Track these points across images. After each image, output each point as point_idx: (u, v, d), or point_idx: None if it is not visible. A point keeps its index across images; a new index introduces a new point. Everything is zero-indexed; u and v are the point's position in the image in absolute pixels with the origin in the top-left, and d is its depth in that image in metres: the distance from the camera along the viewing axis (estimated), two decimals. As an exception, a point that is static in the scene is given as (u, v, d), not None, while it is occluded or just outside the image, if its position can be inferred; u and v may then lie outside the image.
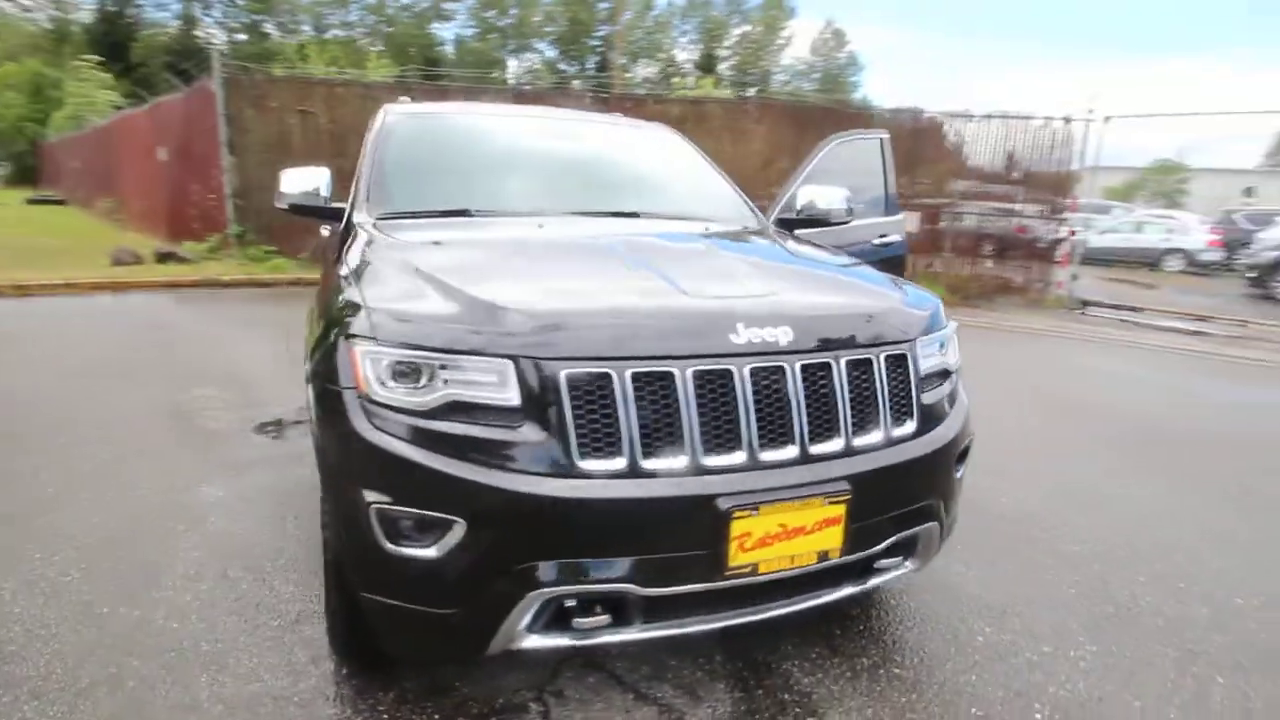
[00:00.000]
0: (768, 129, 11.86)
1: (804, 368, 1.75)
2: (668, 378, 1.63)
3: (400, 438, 1.60)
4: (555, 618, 1.66)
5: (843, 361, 1.80)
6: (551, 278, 1.97)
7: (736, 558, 1.63)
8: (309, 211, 2.82)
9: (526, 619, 1.63)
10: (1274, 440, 4.91)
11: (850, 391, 1.80)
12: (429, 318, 1.67)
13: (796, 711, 2.04)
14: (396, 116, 3.12)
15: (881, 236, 4.04)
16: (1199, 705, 2.14)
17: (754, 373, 1.70)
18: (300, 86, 11.25)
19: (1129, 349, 7.89)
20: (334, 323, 1.84)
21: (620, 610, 1.67)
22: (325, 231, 3.70)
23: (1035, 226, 11.33)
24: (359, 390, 1.66)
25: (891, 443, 1.86)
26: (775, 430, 1.71)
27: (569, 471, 1.57)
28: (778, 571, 1.69)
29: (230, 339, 6.53)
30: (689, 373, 1.64)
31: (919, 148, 11.35)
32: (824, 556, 1.73)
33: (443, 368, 1.61)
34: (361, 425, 1.64)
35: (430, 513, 1.59)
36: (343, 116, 11.06)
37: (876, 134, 4.31)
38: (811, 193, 3.28)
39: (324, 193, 2.75)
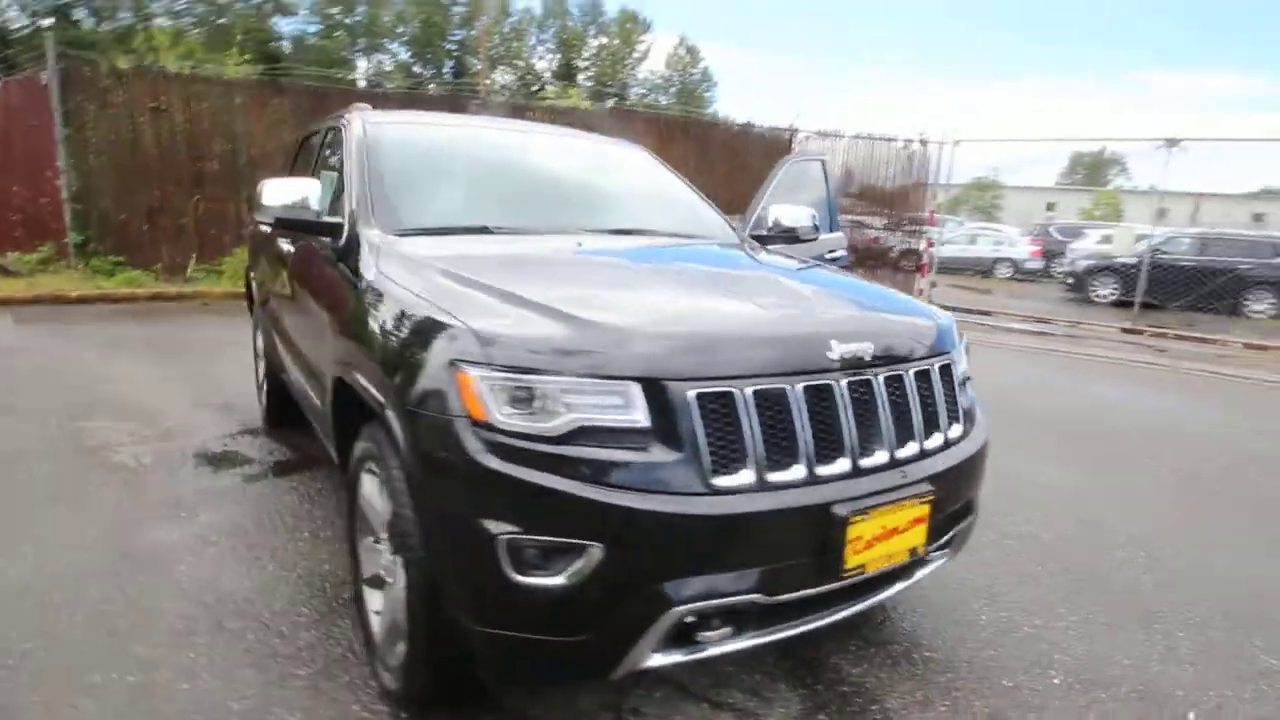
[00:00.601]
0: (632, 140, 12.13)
1: (885, 379, 1.88)
2: (781, 394, 1.70)
3: (530, 465, 1.56)
4: (679, 633, 1.68)
5: (911, 372, 1.95)
6: (639, 299, 1.98)
7: (850, 560, 1.73)
8: (298, 226, 2.64)
9: (657, 639, 1.64)
10: (1169, 430, 5.70)
11: (918, 399, 1.96)
12: (545, 340, 1.64)
13: (858, 701, 2.17)
14: (378, 125, 2.96)
15: (831, 252, 4.33)
16: (1172, 656, 2.49)
17: (849, 385, 1.81)
18: (152, 81, 10.17)
19: (997, 350, 8.81)
20: (415, 345, 1.75)
21: (740, 620, 1.72)
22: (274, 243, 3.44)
23: (887, 238, 12.39)
24: (474, 418, 1.60)
25: (949, 444, 2.03)
26: (869, 438, 1.82)
27: (704, 489, 1.60)
28: (878, 570, 1.81)
29: (102, 363, 5.82)
30: (799, 388, 1.72)
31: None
32: (913, 553, 1.87)
33: (566, 391, 1.59)
34: (482, 455, 1.57)
35: (564, 539, 1.56)
36: (200, 115, 10.18)
37: (818, 156, 4.60)
38: (780, 211, 3.46)
39: (314, 205, 2.58)
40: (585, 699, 2.12)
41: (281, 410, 4.18)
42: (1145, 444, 5.07)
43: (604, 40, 58.16)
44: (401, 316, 1.88)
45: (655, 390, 1.60)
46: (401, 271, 2.09)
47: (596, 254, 2.50)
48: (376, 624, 2.14)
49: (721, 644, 1.73)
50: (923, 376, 2.00)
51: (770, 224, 3.44)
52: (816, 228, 3.50)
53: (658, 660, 1.69)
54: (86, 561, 2.75)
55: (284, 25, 37.24)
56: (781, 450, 1.69)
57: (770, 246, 3.40)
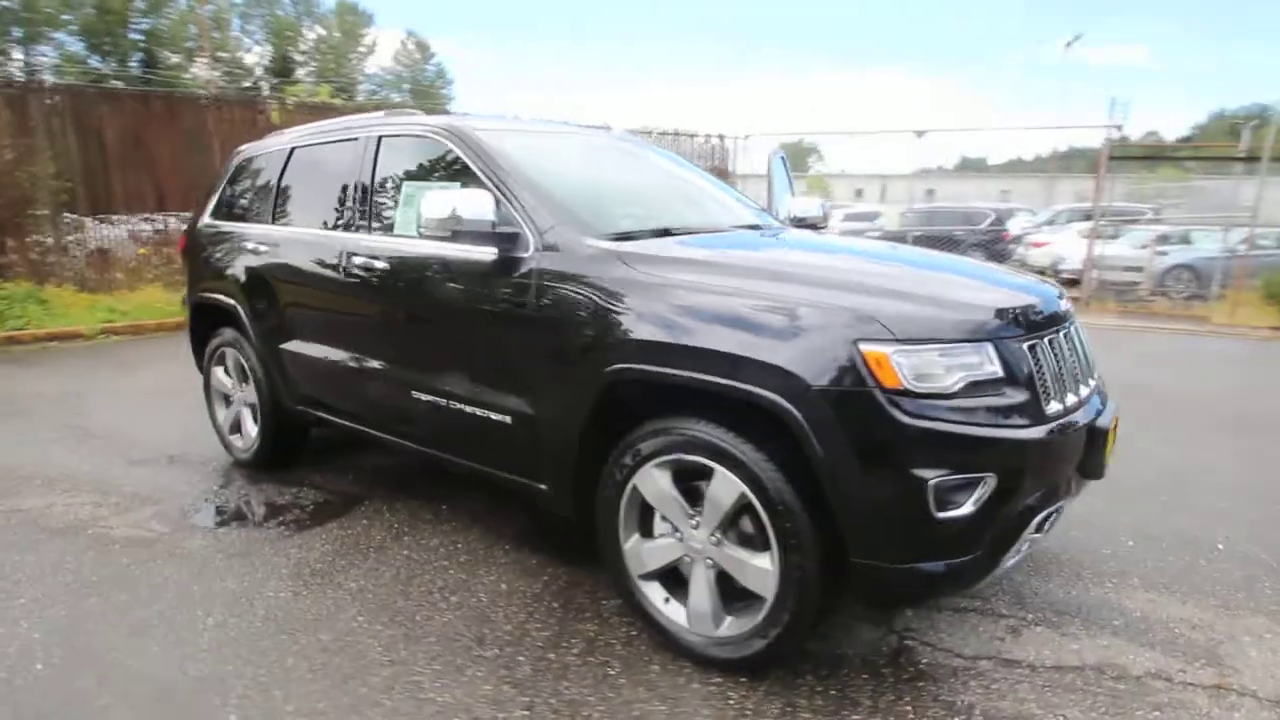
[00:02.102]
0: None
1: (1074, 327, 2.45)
2: (1056, 341, 2.19)
3: (942, 418, 1.87)
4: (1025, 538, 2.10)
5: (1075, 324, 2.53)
6: (922, 280, 2.34)
7: (1107, 461, 2.28)
8: (477, 238, 2.55)
9: (1018, 545, 2.05)
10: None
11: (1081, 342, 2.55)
12: (931, 317, 1.95)
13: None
14: (498, 134, 2.92)
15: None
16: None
17: (1074, 330, 2.35)
18: None
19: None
20: (803, 331, 1.96)
21: (1044, 524, 2.18)
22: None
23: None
24: (888, 386, 1.86)
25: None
26: (1083, 371, 2.37)
27: (1044, 418, 2.03)
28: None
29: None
30: (1060, 335, 2.22)
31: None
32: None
33: (952, 355, 1.92)
34: (906, 416, 1.85)
35: (973, 474, 1.89)
36: None
37: (778, 152, 5.11)
38: (795, 204, 3.95)
39: (491, 217, 2.52)
40: (867, 630, 2.45)
41: (286, 445, 3.81)
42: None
43: (322, 32, 53.98)
44: (743, 309, 2.05)
45: (1003, 347, 2.00)
46: (685, 272, 2.23)
47: (799, 245, 2.86)
48: (671, 610, 2.29)
49: (1031, 546, 2.19)
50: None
51: (790, 215, 3.90)
52: (826, 216, 4.04)
53: (1007, 564, 2.09)
54: (152, 681, 2.29)
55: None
56: (1063, 384, 2.17)
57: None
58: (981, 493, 1.91)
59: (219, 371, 4.03)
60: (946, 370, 1.90)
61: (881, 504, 1.90)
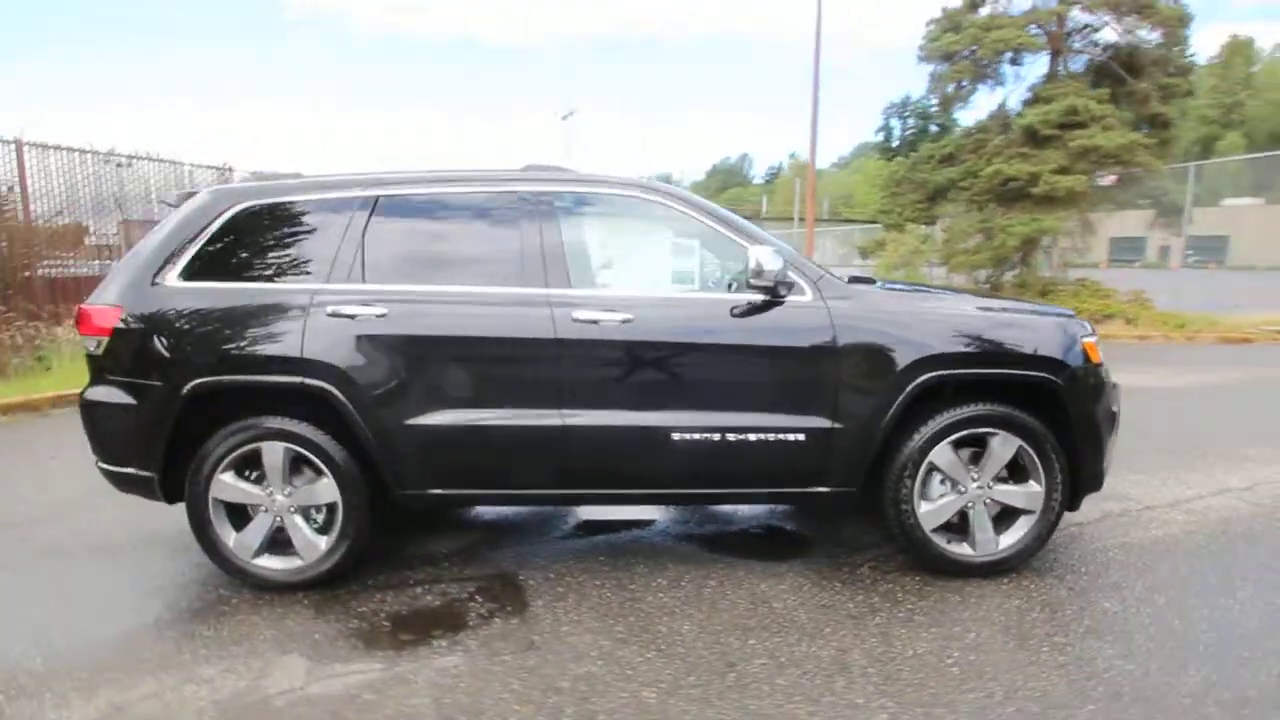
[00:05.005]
0: None
1: None
2: None
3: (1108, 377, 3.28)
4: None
5: None
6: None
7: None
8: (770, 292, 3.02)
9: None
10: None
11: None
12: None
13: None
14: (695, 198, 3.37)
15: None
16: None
17: None
18: None
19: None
20: (1049, 335, 3.13)
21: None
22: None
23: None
24: (1097, 364, 3.19)
25: None
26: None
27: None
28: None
29: None
30: None
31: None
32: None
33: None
34: (1104, 378, 3.21)
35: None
36: None
37: None
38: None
39: (780, 266, 3.03)
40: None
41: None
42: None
43: None
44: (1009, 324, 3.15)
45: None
46: (928, 302, 3.32)
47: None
48: (958, 548, 3.23)
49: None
50: None
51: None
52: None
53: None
54: None
55: None
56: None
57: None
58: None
59: (229, 479, 3.10)
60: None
61: (1103, 431, 3.20)
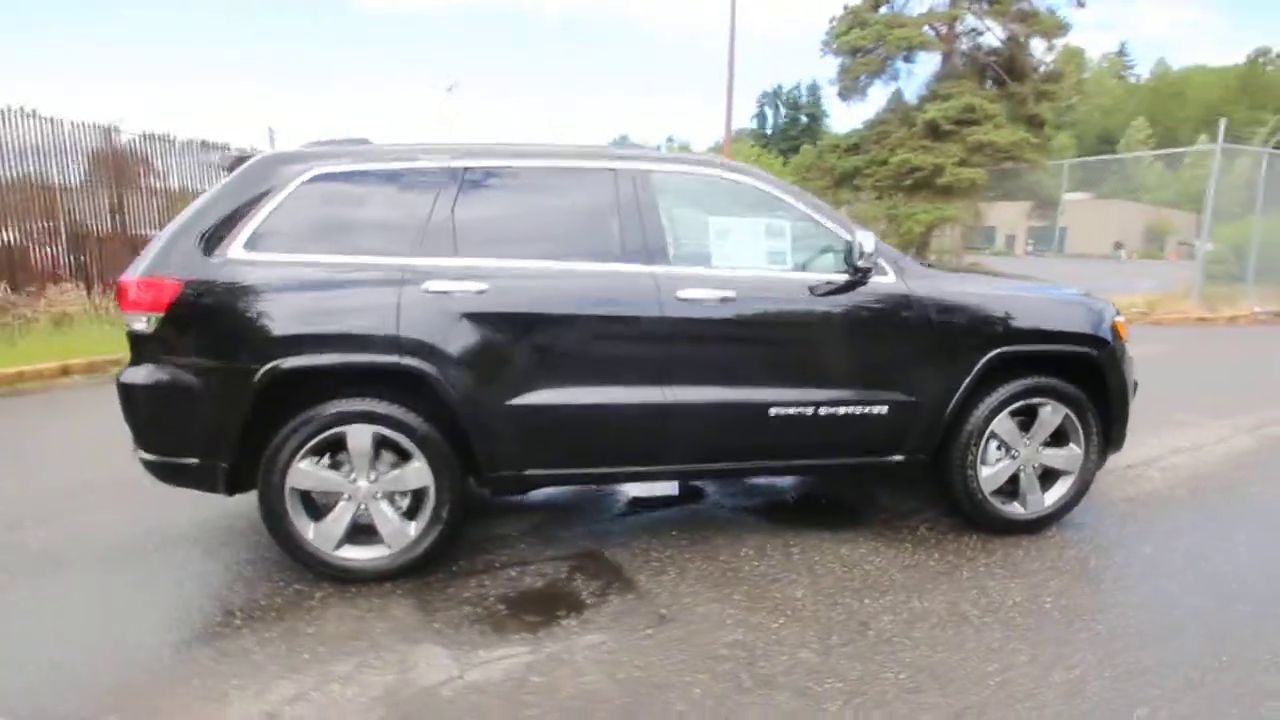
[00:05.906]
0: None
1: None
2: None
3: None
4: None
5: None
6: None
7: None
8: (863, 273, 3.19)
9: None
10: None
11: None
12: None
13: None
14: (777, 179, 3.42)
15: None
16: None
17: None
18: None
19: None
20: (1088, 315, 3.46)
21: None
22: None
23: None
24: (1124, 339, 3.57)
25: None
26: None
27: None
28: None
29: None
30: None
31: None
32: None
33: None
34: (1127, 353, 3.60)
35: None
36: None
37: None
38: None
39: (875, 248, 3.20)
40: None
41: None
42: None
43: None
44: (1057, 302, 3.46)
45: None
46: (1002, 289, 3.51)
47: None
48: (1010, 508, 3.53)
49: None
50: None
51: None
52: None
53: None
54: None
55: None
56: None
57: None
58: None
59: (307, 467, 2.90)
60: (1124, 331, 3.73)
61: (1129, 398, 3.60)
